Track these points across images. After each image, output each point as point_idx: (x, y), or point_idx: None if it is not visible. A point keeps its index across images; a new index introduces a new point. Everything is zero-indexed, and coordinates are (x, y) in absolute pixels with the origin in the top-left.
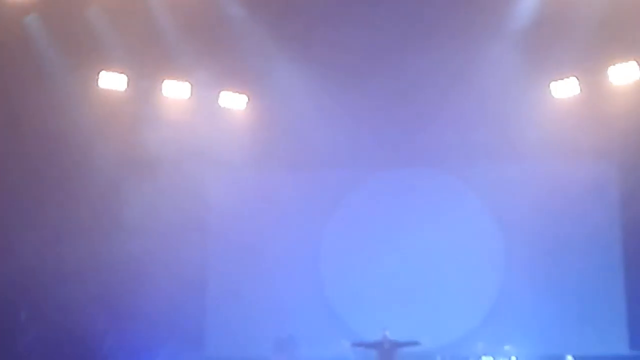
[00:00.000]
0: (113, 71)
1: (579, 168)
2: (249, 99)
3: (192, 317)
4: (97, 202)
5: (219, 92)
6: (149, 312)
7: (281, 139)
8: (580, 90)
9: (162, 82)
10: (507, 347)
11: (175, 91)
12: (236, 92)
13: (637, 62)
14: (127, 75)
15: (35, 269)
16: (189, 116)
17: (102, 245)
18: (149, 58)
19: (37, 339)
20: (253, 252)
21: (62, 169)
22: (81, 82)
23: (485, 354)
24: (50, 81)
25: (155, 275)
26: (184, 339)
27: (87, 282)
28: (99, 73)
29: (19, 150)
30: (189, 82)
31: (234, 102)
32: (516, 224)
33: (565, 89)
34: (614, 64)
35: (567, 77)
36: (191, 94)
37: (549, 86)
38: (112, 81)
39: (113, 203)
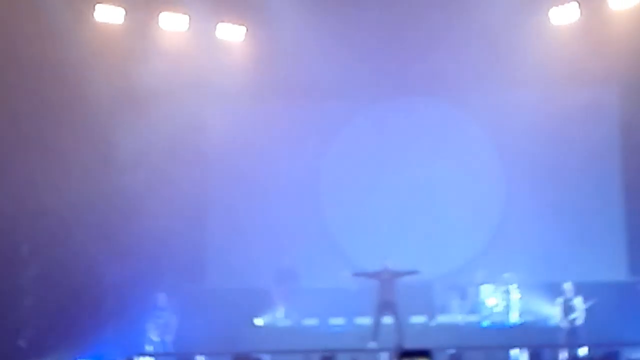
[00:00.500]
0: (109, 4)
1: (579, 94)
2: (247, 30)
3: (192, 249)
4: (94, 136)
5: (216, 24)
6: (149, 245)
7: (279, 70)
8: (580, 15)
9: (159, 14)
10: (506, 275)
11: (172, 23)
12: (234, 23)
13: None
14: (124, 8)
15: (34, 203)
16: (187, 49)
17: (101, 179)
18: None
19: (39, 274)
20: (252, 184)
21: (58, 103)
22: (77, 15)
23: (484, 282)
24: (46, 14)
25: (154, 208)
26: (183, 270)
27: (87, 216)
28: (94, 6)
29: (13, 83)
30: (187, 14)
31: (231, 34)
32: (516, 152)
33: (565, 15)
34: None
35: (567, 2)
36: (189, 27)
37: (548, 12)
38: (108, 14)
39: (110, 136)
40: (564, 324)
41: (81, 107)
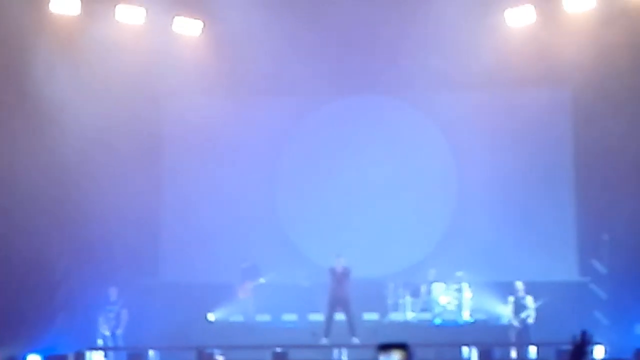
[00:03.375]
0: None
1: (533, 95)
2: (203, 24)
3: (145, 242)
4: (46, 127)
5: (173, 17)
6: (101, 238)
7: (235, 65)
8: (536, 17)
9: (115, 6)
10: (459, 274)
11: (128, 16)
12: (191, 17)
13: None
14: None
15: None
16: (143, 42)
17: (52, 170)
18: None
19: None
20: (207, 178)
21: (16, 97)
22: (31, 5)
23: (437, 281)
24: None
25: (107, 201)
26: (136, 264)
27: (38, 209)
28: None
29: None
30: (143, 7)
31: (188, 28)
32: (469, 152)
33: (520, 17)
34: None
35: (523, 4)
36: (145, 20)
37: (504, 14)
38: (64, 5)
39: (63, 127)
40: (515, 323)
41: (34, 98)
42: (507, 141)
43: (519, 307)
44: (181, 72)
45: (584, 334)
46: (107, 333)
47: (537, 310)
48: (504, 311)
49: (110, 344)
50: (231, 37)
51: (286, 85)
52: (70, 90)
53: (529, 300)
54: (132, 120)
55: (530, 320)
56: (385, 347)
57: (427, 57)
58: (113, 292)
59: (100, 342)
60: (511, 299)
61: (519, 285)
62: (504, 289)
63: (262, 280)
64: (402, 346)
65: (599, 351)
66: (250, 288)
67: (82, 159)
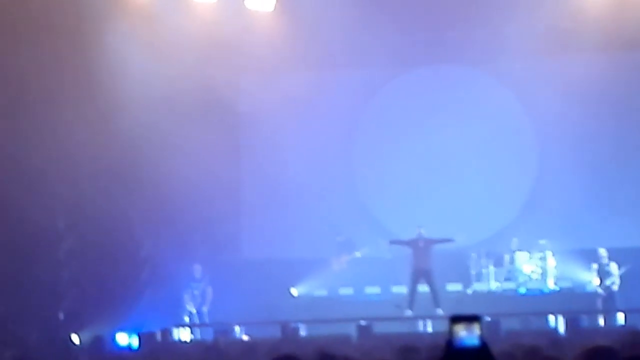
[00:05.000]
0: None
1: (611, 59)
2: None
3: (227, 220)
4: (134, 108)
5: None
6: (184, 217)
7: (310, 39)
8: None
9: None
10: (542, 242)
11: None
12: None
13: None
14: None
15: (70, 177)
16: (217, 19)
17: (135, 151)
18: None
19: (76, 247)
20: (285, 153)
21: (89, 79)
22: None
23: (520, 250)
24: None
25: (189, 180)
26: (219, 241)
27: (122, 189)
28: None
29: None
30: None
31: (261, 3)
32: (549, 118)
33: None
34: None
35: None
36: None
37: None
38: None
39: (145, 107)
40: (600, 290)
41: (111, 81)
42: (586, 106)
43: (603, 274)
44: (255, 48)
45: None
46: (193, 310)
47: (622, 277)
48: (589, 278)
49: (196, 320)
50: (303, 12)
51: (361, 58)
52: (146, 69)
53: (613, 267)
54: (209, 97)
55: (615, 288)
56: (465, 319)
57: (502, 24)
58: (197, 270)
59: (186, 319)
60: (595, 266)
61: (603, 252)
62: (588, 256)
63: (358, 254)
64: (478, 318)
65: None
66: (345, 261)
67: (161, 137)
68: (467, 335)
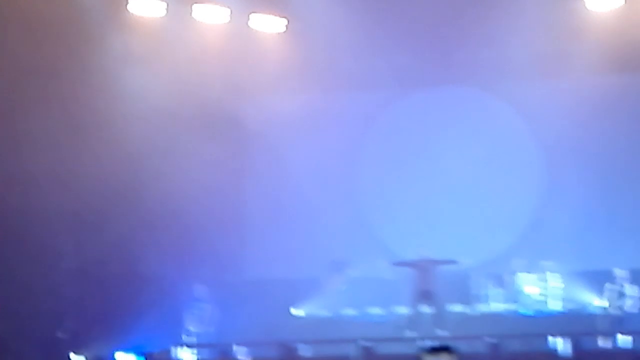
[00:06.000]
0: None
1: (618, 81)
2: (287, 21)
3: (231, 240)
4: (132, 129)
5: (252, 15)
6: (188, 237)
7: (317, 61)
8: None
9: (192, 5)
10: (545, 263)
11: (209, 15)
12: (272, 14)
13: None
14: None
15: (71, 195)
16: (225, 41)
17: (139, 170)
18: None
19: (78, 266)
20: (291, 174)
21: (90, 92)
22: (111, 7)
23: (522, 271)
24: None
25: (194, 199)
26: (222, 261)
27: (126, 208)
28: None
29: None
30: (224, 6)
31: (269, 25)
32: (556, 138)
33: (604, 1)
34: None
35: None
36: (230, 18)
37: None
38: (142, 6)
39: (151, 125)
40: (614, 311)
41: (115, 105)
42: (592, 128)
43: (619, 295)
44: (263, 67)
45: None
46: (195, 330)
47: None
48: (593, 300)
49: (198, 341)
50: (313, 34)
51: (368, 79)
52: (151, 89)
53: (630, 288)
54: (216, 117)
55: (630, 309)
56: (434, 350)
57: (507, 45)
58: (200, 290)
59: (188, 339)
60: (610, 286)
61: (619, 272)
62: (592, 277)
63: (353, 273)
64: (448, 349)
65: None
66: (340, 281)
67: (165, 156)
68: None
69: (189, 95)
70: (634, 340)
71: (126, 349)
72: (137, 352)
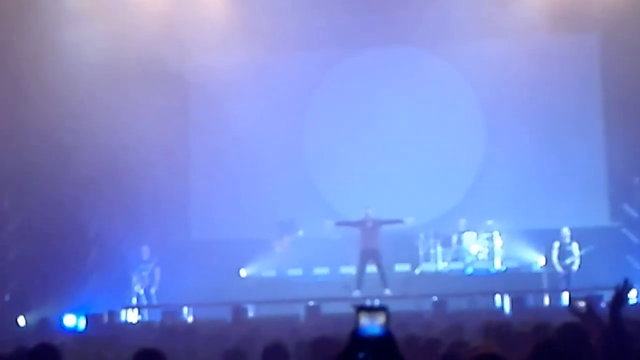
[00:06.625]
0: None
1: (561, 41)
2: None
3: (176, 201)
4: (78, 90)
5: None
6: (133, 198)
7: (259, 21)
8: None
9: None
10: (489, 222)
11: None
12: None
13: None
14: None
15: (16, 157)
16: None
17: (83, 131)
18: None
19: (22, 227)
20: (235, 135)
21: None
22: None
23: (467, 230)
24: None
25: (137, 161)
26: (168, 223)
27: (70, 169)
28: None
29: None
30: None
31: None
32: (498, 100)
33: None
34: None
35: None
36: None
37: None
38: None
39: (99, 91)
40: (559, 269)
41: (56, 55)
42: (535, 88)
43: (564, 253)
44: (207, 29)
45: (625, 281)
46: (141, 291)
47: (582, 257)
48: (538, 259)
49: (144, 302)
50: None
51: (311, 39)
52: (90, 47)
53: (575, 247)
54: (158, 77)
55: (575, 267)
56: (369, 309)
57: (454, 6)
58: (146, 251)
59: (134, 300)
60: (556, 244)
61: (565, 231)
62: (535, 237)
63: (300, 233)
64: (384, 309)
65: (633, 295)
66: (288, 242)
67: (108, 114)
68: (370, 324)
69: (131, 53)
70: (570, 298)
71: (73, 311)
72: (84, 314)
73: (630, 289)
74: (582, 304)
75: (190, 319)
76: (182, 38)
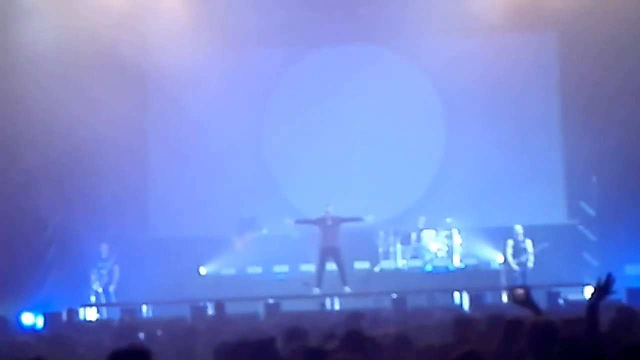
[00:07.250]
0: None
1: (520, 40)
2: None
3: (134, 199)
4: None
5: None
6: (92, 194)
7: (219, 17)
8: None
9: None
10: (448, 220)
11: None
12: None
13: None
14: None
15: None
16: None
17: (42, 125)
18: None
19: None
20: (194, 132)
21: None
22: None
23: (427, 228)
24: None
25: (96, 157)
26: (126, 220)
27: (29, 165)
28: None
29: None
30: None
31: None
32: (457, 98)
33: None
34: None
35: None
36: None
37: None
38: None
39: (56, 87)
40: (514, 266)
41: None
42: (495, 86)
43: (518, 250)
44: (165, 24)
45: (609, 275)
46: (100, 289)
47: (536, 254)
48: (495, 256)
49: (102, 300)
50: None
51: (270, 36)
52: (47, 41)
53: (529, 244)
54: (117, 72)
55: (530, 264)
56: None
57: (413, 3)
58: (104, 249)
59: (92, 298)
60: (510, 242)
61: (519, 228)
62: (494, 234)
63: (264, 231)
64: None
65: (589, 292)
66: (248, 239)
67: (65, 112)
68: None
69: (88, 48)
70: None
71: (31, 309)
72: (42, 312)
73: (612, 282)
74: (520, 291)
75: (149, 316)
76: (141, 32)
